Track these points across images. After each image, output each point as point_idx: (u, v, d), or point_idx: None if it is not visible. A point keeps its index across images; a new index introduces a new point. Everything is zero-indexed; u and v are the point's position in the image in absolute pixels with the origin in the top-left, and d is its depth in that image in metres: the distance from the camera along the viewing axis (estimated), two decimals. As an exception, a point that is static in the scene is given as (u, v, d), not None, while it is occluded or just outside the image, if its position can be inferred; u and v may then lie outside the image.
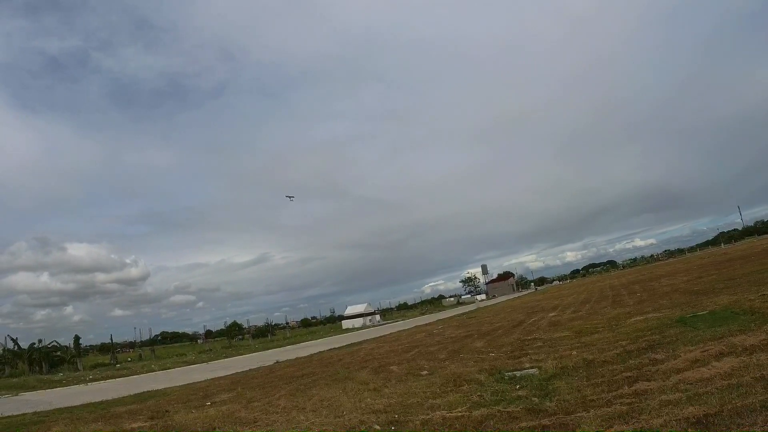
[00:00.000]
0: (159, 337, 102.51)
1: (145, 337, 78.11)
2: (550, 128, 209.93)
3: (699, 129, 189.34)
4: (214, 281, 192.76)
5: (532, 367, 10.43)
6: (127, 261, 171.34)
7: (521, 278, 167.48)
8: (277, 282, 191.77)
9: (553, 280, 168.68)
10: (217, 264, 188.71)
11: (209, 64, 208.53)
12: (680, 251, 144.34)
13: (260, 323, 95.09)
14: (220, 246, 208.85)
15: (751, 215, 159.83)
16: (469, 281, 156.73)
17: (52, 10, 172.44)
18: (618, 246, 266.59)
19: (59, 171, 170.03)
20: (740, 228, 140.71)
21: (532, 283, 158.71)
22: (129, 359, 48.70)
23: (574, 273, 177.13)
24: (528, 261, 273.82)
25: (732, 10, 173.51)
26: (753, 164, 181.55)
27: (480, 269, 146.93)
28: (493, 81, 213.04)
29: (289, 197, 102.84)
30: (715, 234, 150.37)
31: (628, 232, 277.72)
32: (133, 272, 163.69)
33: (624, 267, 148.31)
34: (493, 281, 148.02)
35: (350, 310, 79.36)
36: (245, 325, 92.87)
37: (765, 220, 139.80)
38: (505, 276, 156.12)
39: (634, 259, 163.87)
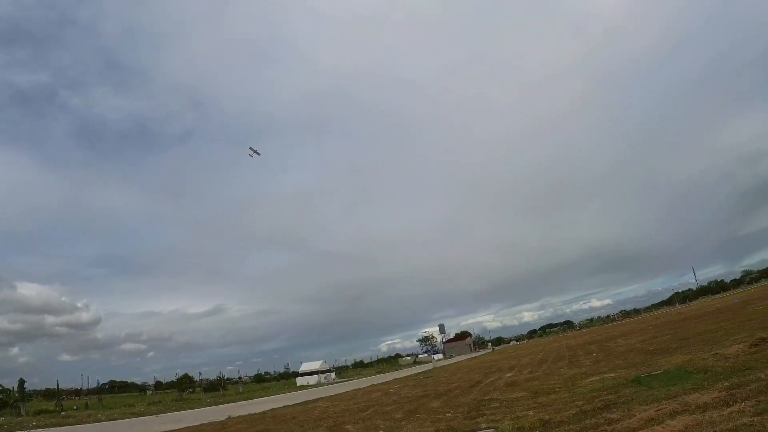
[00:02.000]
0: (107, 386, 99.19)
1: (93, 384, 77.19)
2: (511, 185, 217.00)
3: (655, 189, 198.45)
4: (167, 330, 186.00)
5: (488, 428, 10.34)
6: (79, 305, 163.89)
7: (478, 338, 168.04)
8: (232, 334, 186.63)
9: (510, 340, 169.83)
10: (171, 313, 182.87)
11: (177, 109, 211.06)
12: (636, 311, 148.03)
13: (212, 376, 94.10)
14: (176, 294, 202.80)
15: (705, 275, 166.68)
16: (426, 340, 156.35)
17: (26, 43, 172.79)
18: (575, 306, 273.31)
19: (16, 206, 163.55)
20: (694, 288, 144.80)
21: (489, 343, 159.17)
22: (75, 407, 46.16)
23: (532, 333, 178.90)
24: (485, 321, 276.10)
25: (690, 72, 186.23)
26: (707, 225, 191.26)
27: (437, 328, 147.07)
28: (456, 137, 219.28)
29: (254, 152, 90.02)
30: (670, 294, 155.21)
31: (585, 292, 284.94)
32: (84, 316, 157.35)
33: (581, 327, 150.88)
34: (450, 341, 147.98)
35: (305, 367, 79.18)
36: (197, 378, 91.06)
37: (718, 280, 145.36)
38: (463, 336, 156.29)
39: (591, 320, 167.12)
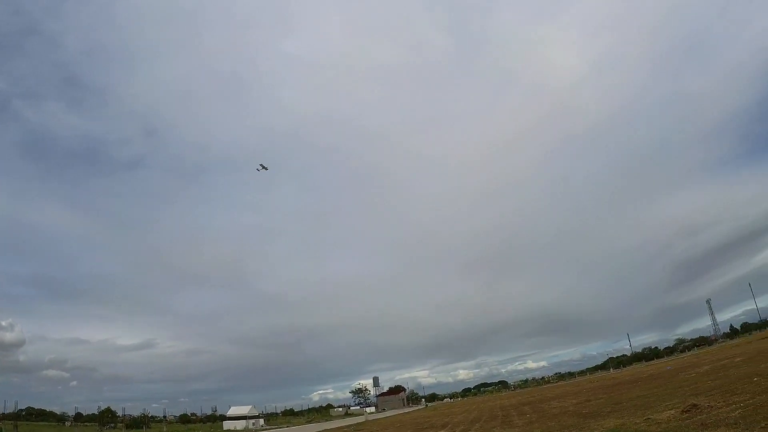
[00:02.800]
0: (23, 412, 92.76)
1: (10, 409, 74.37)
2: (456, 244, 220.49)
3: (596, 257, 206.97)
4: (94, 360, 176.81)
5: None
6: (3, 323, 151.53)
7: (413, 393, 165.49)
8: (161, 371, 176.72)
9: (445, 397, 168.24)
10: (99, 343, 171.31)
11: (130, 135, 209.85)
12: (571, 374, 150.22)
13: (136, 413, 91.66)
14: (107, 323, 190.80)
15: (640, 342, 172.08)
16: (359, 392, 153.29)
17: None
18: (510, 367, 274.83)
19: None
20: (629, 354, 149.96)
21: (423, 399, 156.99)
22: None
23: (466, 391, 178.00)
24: (420, 376, 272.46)
25: (635, 148, 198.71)
26: (642, 294, 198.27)
27: (371, 381, 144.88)
28: (409, 192, 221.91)
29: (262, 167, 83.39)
30: (604, 359, 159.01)
31: (521, 353, 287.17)
32: (8, 336, 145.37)
33: (515, 387, 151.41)
34: (383, 394, 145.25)
35: (233, 411, 78.13)
36: (120, 413, 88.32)
37: (652, 347, 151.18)
38: (397, 390, 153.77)
39: (526, 381, 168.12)
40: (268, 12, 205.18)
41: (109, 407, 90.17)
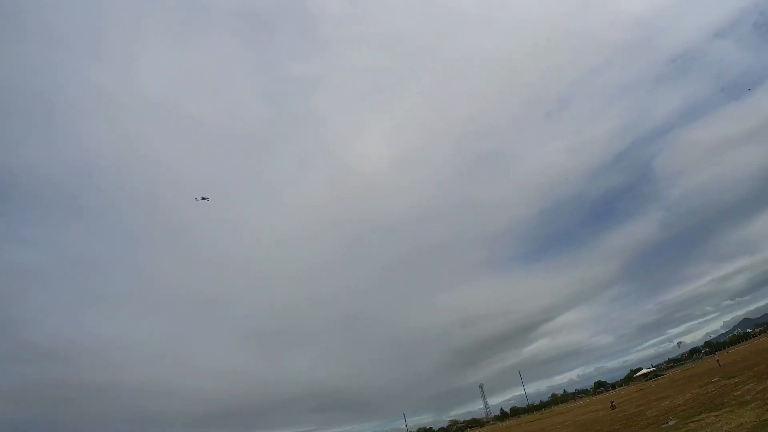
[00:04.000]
0: None
1: None
2: (241, 313, 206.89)
3: (380, 339, 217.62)
4: None
5: None
6: None
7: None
8: None
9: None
10: None
11: None
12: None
13: None
14: None
15: (415, 422, 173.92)
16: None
17: None
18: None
19: None
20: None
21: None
22: None
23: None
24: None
25: (425, 240, 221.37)
26: (422, 376, 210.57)
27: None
28: (202, 256, 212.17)
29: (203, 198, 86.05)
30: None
31: (298, 429, 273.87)
32: None
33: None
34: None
35: None
36: None
37: (427, 428, 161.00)
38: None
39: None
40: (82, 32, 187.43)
41: None
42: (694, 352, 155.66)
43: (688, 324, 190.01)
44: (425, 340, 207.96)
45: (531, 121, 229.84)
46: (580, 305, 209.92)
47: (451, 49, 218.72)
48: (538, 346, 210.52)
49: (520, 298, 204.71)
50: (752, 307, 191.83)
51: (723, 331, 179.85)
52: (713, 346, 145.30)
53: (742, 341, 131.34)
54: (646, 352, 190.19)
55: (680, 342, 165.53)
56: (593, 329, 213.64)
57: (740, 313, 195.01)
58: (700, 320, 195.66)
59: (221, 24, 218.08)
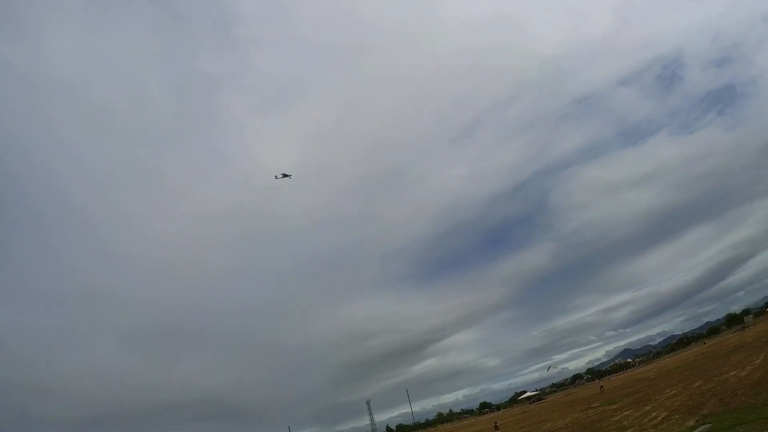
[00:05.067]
0: None
1: None
2: (130, 311, 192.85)
3: (270, 349, 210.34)
4: None
5: None
6: None
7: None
8: None
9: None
10: None
11: None
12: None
13: None
14: None
15: None
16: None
17: None
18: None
19: None
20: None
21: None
22: None
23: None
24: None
25: (320, 252, 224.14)
26: (307, 389, 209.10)
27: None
28: (87, 249, 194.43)
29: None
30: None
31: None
32: None
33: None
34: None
35: None
36: None
37: None
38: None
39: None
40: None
41: None
42: (576, 378, 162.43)
43: (572, 351, 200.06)
44: (315, 353, 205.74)
45: (437, 144, 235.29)
46: (470, 327, 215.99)
47: (366, 64, 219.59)
48: (427, 365, 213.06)
49: (412, 316, 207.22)
50: (633, 338, 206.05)
51: (605, 359, 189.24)
52: (595, 372, 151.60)
53: (623, 370, 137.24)
54: (531, 375, 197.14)
55: (550, 366, 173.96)
56: (481, 351, 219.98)
57: (622, 343, 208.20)
58: (584, 348, 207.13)
59: (136, 9, 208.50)
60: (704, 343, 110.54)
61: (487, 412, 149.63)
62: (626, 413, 32.29)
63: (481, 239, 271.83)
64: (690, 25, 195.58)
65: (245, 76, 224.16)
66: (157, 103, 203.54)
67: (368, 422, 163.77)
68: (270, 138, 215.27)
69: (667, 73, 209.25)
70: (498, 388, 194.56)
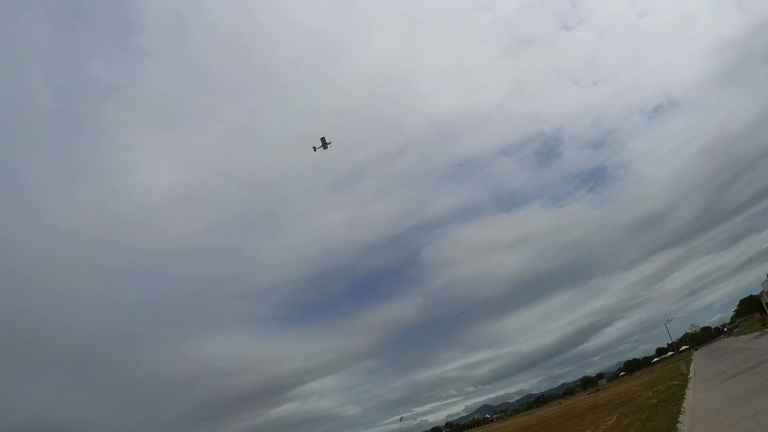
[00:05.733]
0: None
1: None
2: None
3: (116, 378, 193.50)
4: None
5: None
6: None
7: None
8: None
9: None
10: None
11: None
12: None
13: None
14: None
15: None
16: None
17: None
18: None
19: None
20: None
21: None
22: None
23: None
24: None
25: (190, 283, 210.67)
26: (158, 425, 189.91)
27: None
28: None
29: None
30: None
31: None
32: None
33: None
34: None
35: None
36: None
37: None
38: None
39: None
40: None
41: None
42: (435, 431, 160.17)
43: (433, 404, 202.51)
44: (172, 387, 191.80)
45: (318, 187, 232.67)
46: (334, 374, 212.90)
47: (258, 97, 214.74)
48: (286, 409, 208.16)
49: (275, 358, 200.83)
50: (492, 395, 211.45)
51: (464, 414, 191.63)
52: (454, 427, 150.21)
53: (481, 425, 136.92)
54: (390, 426, 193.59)
55: (402, 417, 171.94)
56: (342, 399, 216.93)
57: (481, 399, 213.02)
58: (445, 402, 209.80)
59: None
60: (560, 403, 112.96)
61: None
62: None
63: (352, 286, 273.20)
64: (573, 109, 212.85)
65: (138, 89, 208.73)
66: (35, 100, 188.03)
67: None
68: (152, 156, 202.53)
69: (546, 149, 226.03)
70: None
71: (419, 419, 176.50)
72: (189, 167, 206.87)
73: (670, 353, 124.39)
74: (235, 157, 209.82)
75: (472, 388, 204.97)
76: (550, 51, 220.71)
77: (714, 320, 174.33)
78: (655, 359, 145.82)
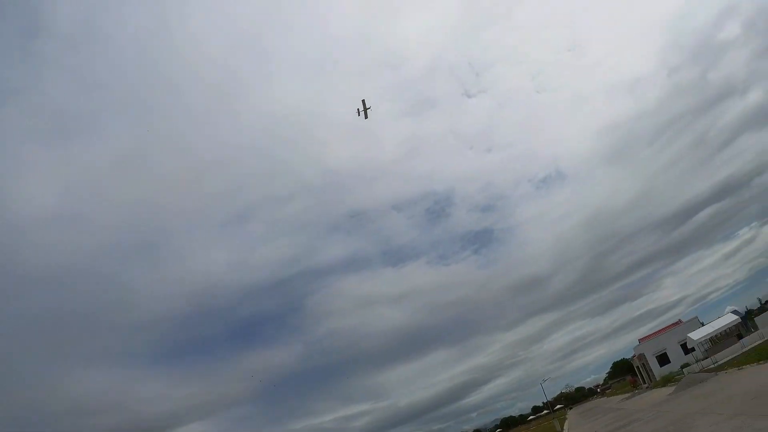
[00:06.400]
0: None
1: None
2: None
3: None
4: None
5: None
6: None
7: None
8: None
9: None
10: None
11: None
12: None
13: None
14: None
15: None
16: None
17: None
18: None
19: None
20: None
21: None
22: None
23: None
24: None
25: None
26: None
27: None
28: None
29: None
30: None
31: None
32: None
33: None
34: None
35: None
36: None
37: None
38: None
39: None
40: None
41: None
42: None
43: None
44: (27, 426, 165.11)
45: (206, 223, 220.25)
46: (204, 419, 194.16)
47: (155, 121, 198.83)
48: None
49: (143, 398, 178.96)
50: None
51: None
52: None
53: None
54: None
55: None
56: None
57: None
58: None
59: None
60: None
61: None
62: None
63: (231, 328, 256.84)
64: (466, 172, 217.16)
65: (32, 96, 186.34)
66: None
67: None
68: (37, 169, 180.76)
69: (436, 208, 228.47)
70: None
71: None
72: (74, 185, 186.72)
73: (545, 411, 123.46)
74: (123, 182, 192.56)
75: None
76: (450, 115, 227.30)
77: (588, 381, 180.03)
78: (531, 417, 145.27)
